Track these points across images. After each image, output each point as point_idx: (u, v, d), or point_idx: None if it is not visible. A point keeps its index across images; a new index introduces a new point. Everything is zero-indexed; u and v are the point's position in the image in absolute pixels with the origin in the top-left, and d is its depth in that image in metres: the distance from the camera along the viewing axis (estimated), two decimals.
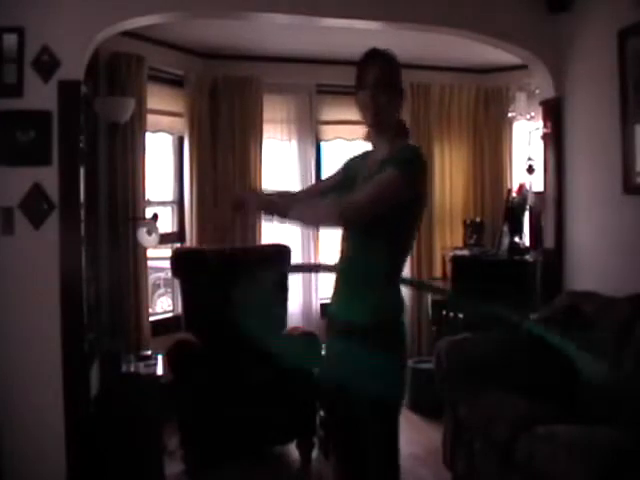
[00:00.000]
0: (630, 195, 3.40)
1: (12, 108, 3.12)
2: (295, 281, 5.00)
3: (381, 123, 2.19)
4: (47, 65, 3.15)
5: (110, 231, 4.14)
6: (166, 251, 4.69)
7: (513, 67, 4.98)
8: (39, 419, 3.14)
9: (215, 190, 4.88)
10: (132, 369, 3.57)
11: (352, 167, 2.33)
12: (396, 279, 2.20)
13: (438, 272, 5.34)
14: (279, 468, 3.82)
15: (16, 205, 3.14)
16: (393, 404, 2.15)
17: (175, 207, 4.95)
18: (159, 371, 3.60)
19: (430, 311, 4.71)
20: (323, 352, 2.35)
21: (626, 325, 2.94)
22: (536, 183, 4.40)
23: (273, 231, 4.93)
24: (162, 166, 4.92)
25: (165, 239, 4.64)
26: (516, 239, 4.49)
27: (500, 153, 5.50)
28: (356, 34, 4.24)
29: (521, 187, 4.64)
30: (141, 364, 3.63)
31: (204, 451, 3.63)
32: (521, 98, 4.71)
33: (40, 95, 3.14)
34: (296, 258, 4.87)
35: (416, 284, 4.69)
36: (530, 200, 4.46)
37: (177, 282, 4.37)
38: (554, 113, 4.03)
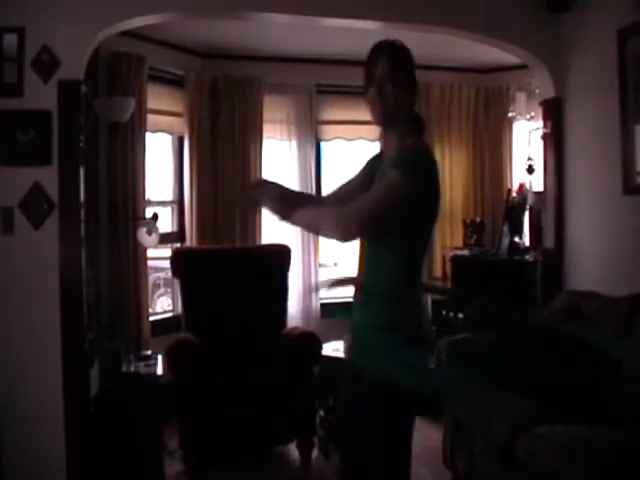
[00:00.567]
0: (630, 195, 3.40)
1: (12, 108, 3.12)
2: (295, 281, 5.01)
3: (390, 120, 2.09)
4: (47, 65, 3.15)
5: (110, 231, 4.14)
6: (166, 251, 4.69)
7: (513, 67, 4.98)
8: (39, 419, 3.15)
9: (215, 190, 4.88)
10: (132, 369, 3.57)
11: (371, 167, 2.26)
12: (413, 282, 2.06)
13: (438, 272, 5.34)
14: (279, 468, 3.82)
15: (16, 205, 3.14)
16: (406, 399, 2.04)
17: (175, 207, 4.95)
18: (159, 371, 3.60)
19: (430, 311, 4.70)
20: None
21: (626, 325, 2.94)
22: (536, 183, 4.40)
23: (273, 231, 4.93)
24: (162, 166, 4.92)
25: (165, 239, 4.64)
26: (516, 239, 4.50)
27: (500, 153, 5.50)
28: (356, 34, 4.24)
29: (521, 187, 4.64)
30: (141, 364, 3.63)
31: (204, 451, 3.63)
32: (521, 98, 4.71)
33: (40, 95, 3.14)
34: (296, 258, 4.87)
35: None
36: (530, 200, 4.46)
37: (177, 282, 4.37)
38: (554, 113, 4.03)
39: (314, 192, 5.12)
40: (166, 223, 4.86)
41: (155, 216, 4.14)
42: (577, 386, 2.93)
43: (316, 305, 5.23)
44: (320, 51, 4.89)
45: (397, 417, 2.03)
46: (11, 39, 3.11)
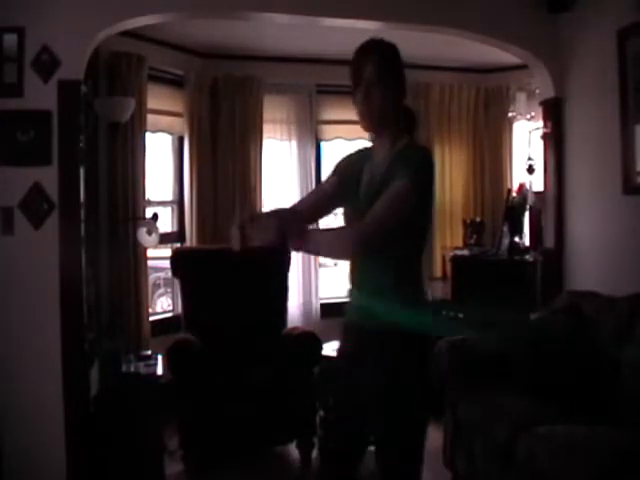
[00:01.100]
0: (630, 195, 3.40)
1: (12, 108, 3.12)
2: (295, 281, 5.01)
3: (380, 122, 2.02)
4: (47, 65, 3.15)
5: (110, 231, 4.14)
6: (166, 251, 4.69)
7: (513, 67, 4.98)
8: (39, 419, 3.15)
9: (215, 190, 4.88)
10: (132, 369, 3.57)
11: (349, 169, 2.12)
12: (415, 282, 2.04)
13: (438, 272, 5.34)
14: (279, 468, 3.82)
15: (16, 205, 3.14)
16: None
17: (175, 207, 4.95)
18: (159, 371, 3.60)
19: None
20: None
21: (626, 325, 2.94)
22: (536, 183, 4.41)
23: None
24: (162, 166, 4.92)
25: (165, 239, 4.64)
26: (516, 239, 4.50)
27: (500, 153, 5.50)
28: (356, 34, 4.23)
29: (521, 187, 4.64)
30: (141, 364, 3.63)
31: (204, 451, 3.63)
32: (521, 98, 4.71)
33: (40, 95, 3.14)
34: (296, 258, 4.86)
35: None
36: (530, 200, 4.46)
37: (177, 282, 4.37)
38: (554, 113, 4.03)
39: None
40: (166, 223, 4.86)
41: (155, 216, 4.14)
42: (577, 386, 2.94)
43: (316, 305, 5.23)
44: (320, 51, 4.88)
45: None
46: (11, 39, 3.11)
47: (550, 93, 4.05)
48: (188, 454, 3.62)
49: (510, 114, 4.94)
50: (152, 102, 4.41)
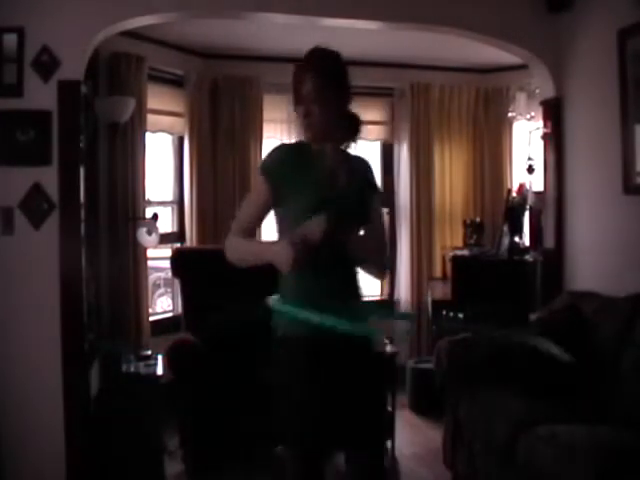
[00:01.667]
0: (630, 195, 3.40)
1: (12, 108, 3.12)
2: None
3: (324, 135, 1.99)
4: (47, 65, 3.15)
5: (110, 231, 4.14)
6: (166, 251, 4.69)
7: (513, 67, 4.98)
8: (39, 419, 3.15)
9: (215, 190, 4.88)
10: (132, 369, 3.57)
11: (283, 170, 2.00)
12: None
13: (438, 272, 5.35)
14: (279, 468, 3.82)
15: (16, 205, 3.14)
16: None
17: (175, 207, 4.95)
18: (159, 371, 3.60)
19: (430, 311, 4.70)
20: None
21: (626, 325, 2.94)
22: (536, 183, 4.40)
23: (272, 230, 4.92)
24: (162, 166, 4.92)
25: (165, 239, 4.64)
26: (516, 239, 4.49)
27: (500, 153, 5.50)
28: (356, 34, 4.24)
29: (521, 187, 4.63)
30: (141, 364, 3.63)
31: (204, 451, 3.63)
32: (521, 98, 4.71)
33: (40, 95, 3.15)
34: None
35: None
36: (530, 200, 4.46)
37: (177, 282, 4.37)
38: (554, 113, 4.03)
39: None
40: (166, 223, 4.86)
41: (155, 216, 4.14)
42: (577, 386, 2.94)
43: None
44: None
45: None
46: (11, 39, 3.11)
47: (550, 93, 4.05)
48: (188, 454, 3.62)
49: (510, 114, 4.94)
50: (152, 102, 4.41)
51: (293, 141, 2.21)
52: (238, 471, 3.65)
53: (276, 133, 5.20)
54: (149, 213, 4.26)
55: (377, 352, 2.11)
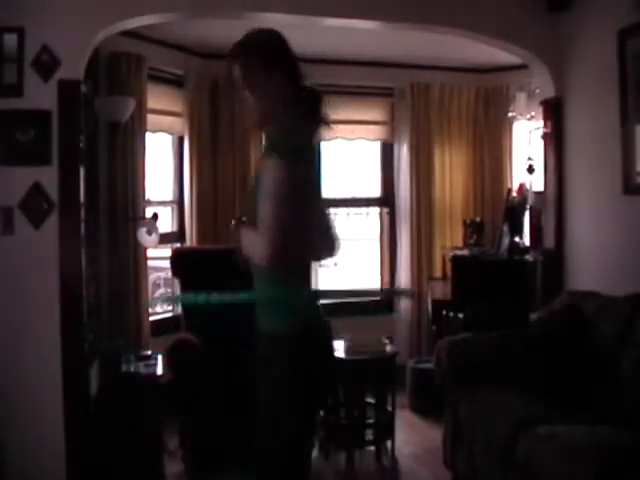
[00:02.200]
0: (630, 195, 3.40)
1: (12, 108, 3.11)
2: None
3: (260, 122, 2.02)
4: (47, 65, 3.15)
5: (110, 231, 4.14)
6: (166, 251, 4.69)
7: (513, 67, 4.98)
8: (39, 419, 3.15)
9: (215, 190, 4.88)
10: (132, 369, 3.57)
11: None
12: None
13: (438, 272, 5.34)
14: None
15: (16, 205, 3.14)
16: None
17: (175, 207, 4.95)
18: (159, 371, 3.60)
19: (430, 311, 4.70)
20: None
21: (626, 325, 2.94)
22: (536, 183, 4.40)
23: None
24: (162, 166, 4.92)
25: (165, 239, 4.64)
26: (516, 239, 4.49)
27: (500, 153, 5.50)
28: (356, 34, 4.25)
29: (521, 187, 4.63)
30: (141, 364, 3.62)
31: (204, 451, 3.63)
32: (521, 98, 4.71)
33: (40, 95, 3.14)
34: None
35: None
36: (530, 200, 4.46)
37: (177, 282, 4.37)
38: (554, 113, 4.03)
39: None
40: (166, 223, 4.86)
41: (155, 216, 4.14)
42: (577, 386, 2.94)
43: None
44: (320, 51, 4.88)
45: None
46: (11, 39, 3.11)
47: (550, 93, 4.05)
48: (188, 454, 3.62)
49: (510, 114, 4.94)
50: (152, 102, 4.40)
51: None
52: (238, 471, 3.65)
53: None
54: (149, 213, 4.26)
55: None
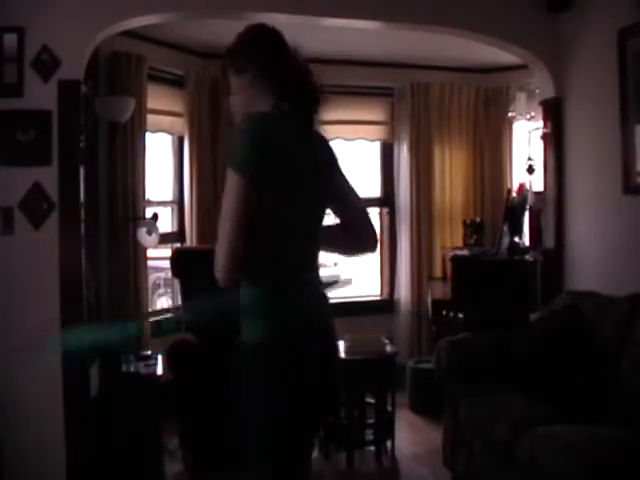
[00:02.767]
0: (630, 195, 3.40)
1: (12, 108, 3.11)
2: None
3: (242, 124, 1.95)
4: (47, 65, 3.15)
5: (110, 231, 4.14)
6: (166, 251, 4.69)
7: (513, 67, 4.98)
8: (39, 419, 3.14)
9: (215, 190, 4.87)
10: (132, 369, 3.57)
11: None
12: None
13: (438, 272, 5.35)
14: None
15: (16, 205, 3.14)
16: None
17: (175, 207, 4.95)
18: (159, 371, 3.60)
19: (430, 311, 4.71)
20: None
21: (626, 325, 2.94)
22: (536, 183, 4.40)
23: None
24: (162, 166, 4.92)
25: (165, 239, 4.64)
26: (516, 239, 4.49)
27: (500, 153, 5.50)
28: (356, 34, 4.25)
29: (521, 187, 4.63)
30: (141, 364, 3.63)
31: (204, 451, 3.63)
32: (521, 98, 4.71)
33: (40, 95, 3.14)
34: None
35: None
36: (530, 200, 4.46)
37: (177, 282, 4.37)
38: (554, 113, 4.03)
39: None
40: (166, 223, 4.86)
41: (155, 216, 4.14)
42: (577, 386, 2.94)
43: None
44: (320, 51, 4.88)
45: None
46: (11, 39, 3.11)
47: (550, 93, 4.05)
48: (188, 454, 3.62)
49: (510, 114, 4.94)
50: (152, 102, 4.40)
51: None
52: (238, 471, 3.65)
53: None
54: (149, 213, 4.26)
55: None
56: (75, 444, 3.17)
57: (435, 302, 4.62)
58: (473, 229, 5.18)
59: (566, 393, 2.92)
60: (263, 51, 1.94)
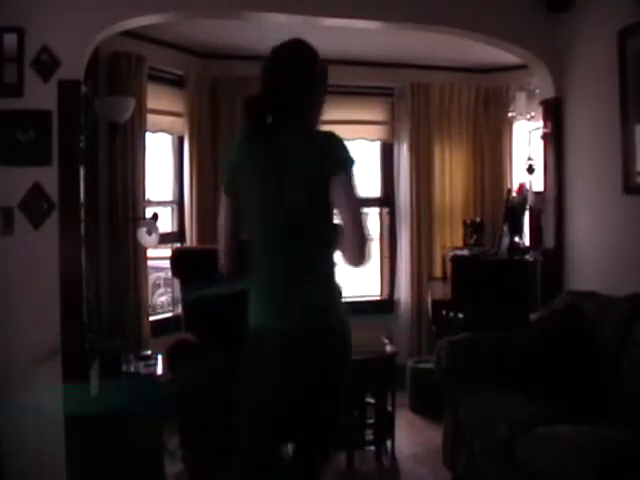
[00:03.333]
0: (630, 195, 3.40)
1: (12, 108, 3.12)
2: None
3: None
4: (47, 65, 3.15)
5: (110, 231, 4.14)
6: (166, 251, 4.69)
7: (513, 67, 4.98)
8: (39, 420, 3.14)
9: (215, 190, 4.87)
10: (132, 369, 3.57)
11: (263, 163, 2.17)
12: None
13: (438, 272, 5.35)
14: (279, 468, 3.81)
15: (16, 205, 3.14)
16: None
17: (175, 207, 4.95)
18: (159, 371, 3.60)
19: (430, 311, 4.71)
20: None
21: (626, 325, 2.94)
22: (536, 183, 4.40)
23: None
24: (162, 166, 4.92)
25: (165, 239, 4.64)
26: (516, 239, 4.49)
27: (500, 153, 5.50)
28: (356, 34, 4.25)
29: (521, 187, 4.63)
30: (141, 364, 3.63)
31: (204, 451, 3.63)
32: (521, 98, 4.71)
33: (40, 95, 3.14)
34: None
35: None
36: (530, 200, 4.46)
37: (177, 282, 4.37)
38: (554, 113, 4.03)
39: None
40: (166, 223, 4.86)
41: (155, 216, 4.14)
42: (577, 386, 2.94)
43: None
44: (320, 51, 4.87)
45: None
46: (11, 39, 3.11)
47: (550, 93, 4.05)
48: (188, 454, 3.62)
49: (510, 114, 4.94)
50: (152, 102, 4.41)
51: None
52: (238, 471, 3.65)
53: None
54: (149, 213, 4.26)
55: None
56: (75, 444, 3.17)
57: (435, 302, 4.62)
58: (473, 229, 5.18)
59: (566, 393, 2.92)
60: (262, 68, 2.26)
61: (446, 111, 5.45)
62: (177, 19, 3.73)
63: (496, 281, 4.28)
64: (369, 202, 5.70)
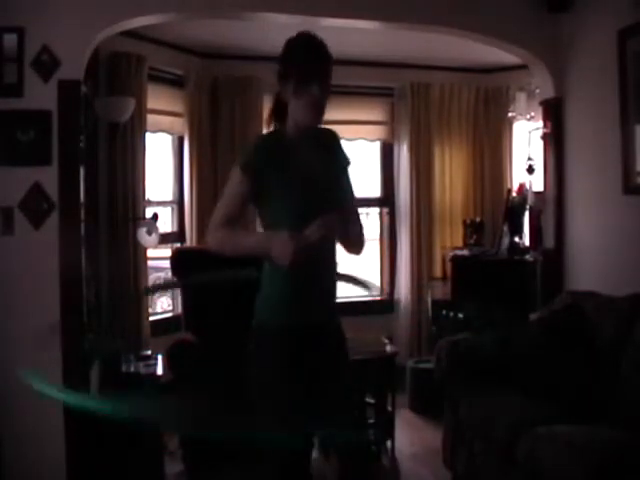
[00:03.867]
0: (630, 195, 3.40)
1: (12, 108, 3.12)
2: None
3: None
4: (47, 65, 3.15)
5: (110, 231, 4.14)
6: (166, 251, 4.69)
7: (513, 67, 4.98)
8: (39, 419, 3.14)
9: (215, 190, 4.88)
10: (132, 369, 3.57)
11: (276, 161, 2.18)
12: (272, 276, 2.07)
13: (438, 272, 5.34)
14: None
15: (16, 205, 3.14)
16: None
17: (175, 207, 4.95)
18: (159, 371, 3.60)
19: (430, 311, 4.71)
20: None
21: (626, 325, 2.94)
22: (536, 183, 4.40)
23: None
24: (162, 166, 4.92)
25: (165, 239, 4.64)
26: (516, 239, 4.50)
27: (500, 153, 5.50)
28: (356, 34, 4.25)
29: (521, 187, 4.64)
30: (141, 364, 3.63)
31: (204, 451, 3.63)
32: (521, 98, 4.71)
33: (40, 95, 3.15)
34: None
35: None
36: (530, 200, 4.46)
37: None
38: (554, 113, 4.03)
39: None
40: (166, 223, 4.86)
41: (155, 216, 4.14)
42: (577, 386, 2.94)
43: None
44: None
45: None
46: (11, 39, 3.11)
47: (550, 93, 4.05)
48: (188, 454, 3.62)
49: (510, 114, 4.94)
50: (152, 102, 4.40)
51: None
52: (238, 471, 3.65)
53: None
54: (149, 213, 4.26)
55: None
56: (75, 444, 3.17)
57: (435, 302, 4.62)
58: (473, 229, 5.18)
59: (566, 393, 2.92)
60: (284, 59, 2.33)
61: (446, 111, 5.45)
62: (177, 19, 3.73)
63: (496, 281, 4.28)
64: (369, 202, 5.71)
